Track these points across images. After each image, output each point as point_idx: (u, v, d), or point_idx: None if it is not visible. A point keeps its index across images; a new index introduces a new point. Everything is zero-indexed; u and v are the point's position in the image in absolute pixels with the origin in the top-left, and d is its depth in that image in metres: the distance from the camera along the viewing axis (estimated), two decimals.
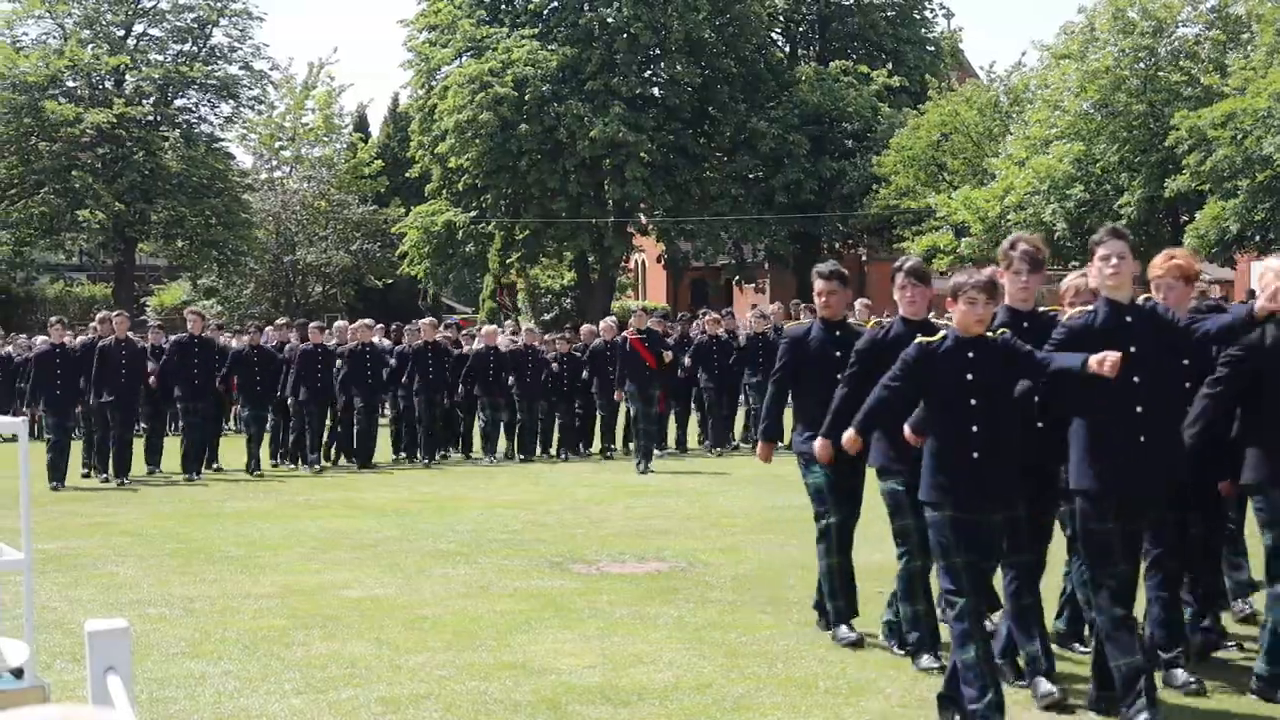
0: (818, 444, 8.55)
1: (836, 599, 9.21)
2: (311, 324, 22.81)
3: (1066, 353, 7.09)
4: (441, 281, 58.76)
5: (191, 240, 51.41)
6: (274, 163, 56.74)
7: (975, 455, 7.09)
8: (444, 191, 56.26)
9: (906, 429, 7.63)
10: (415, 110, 58.27)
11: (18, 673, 5.05)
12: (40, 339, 28.71)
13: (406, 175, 58.40)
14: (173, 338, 22.38)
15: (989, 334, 7.28)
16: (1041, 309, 8.19)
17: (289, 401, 21.89)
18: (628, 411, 22.10)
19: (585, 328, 25.35)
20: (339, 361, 21.90)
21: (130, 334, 21.28)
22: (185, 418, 21.23)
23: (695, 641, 9.08)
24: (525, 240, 55.62)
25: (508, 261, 57.50)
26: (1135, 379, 7.06)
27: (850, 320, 9.68)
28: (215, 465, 21.75)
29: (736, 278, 61.42)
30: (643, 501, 16.70)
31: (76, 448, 21.03)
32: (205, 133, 54.25)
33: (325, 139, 56.82)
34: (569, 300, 61.26)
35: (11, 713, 2.40)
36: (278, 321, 23.29)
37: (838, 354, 9.07)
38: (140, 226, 50.98)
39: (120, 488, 19.48)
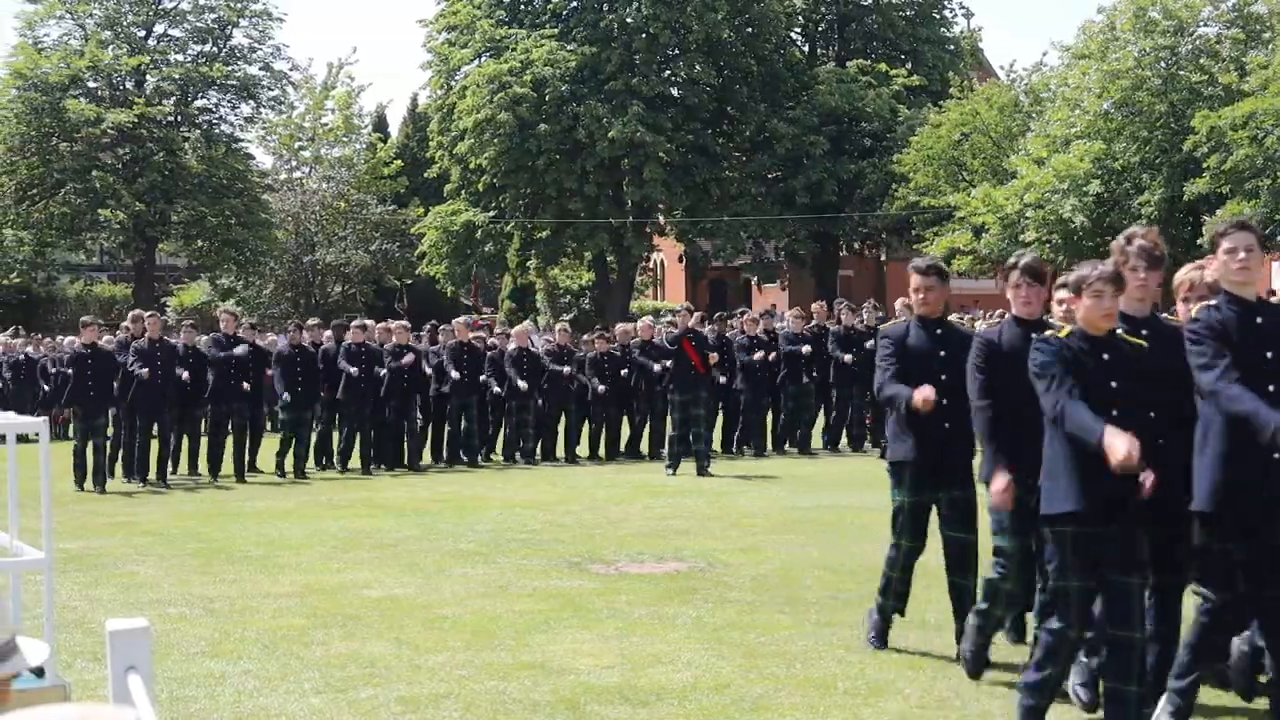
0: (999, 484, 7.54)
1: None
2: (354, 323, 22.21)
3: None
4: (460, 282, 58.84)
5: (211, 240, 51.53)
6: (293, 163, 56.86)
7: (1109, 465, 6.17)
8: (463, 191, 56.35)
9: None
10: (434, 110, 58.37)
11: (38, 671, 5.07)
12: (69, 340, 28.70)
13: (425, 175, 58.51)
14: (206, 337, 21.81)
15: (1119, 332, 6.62)
16: (1164, 315, 7.49)
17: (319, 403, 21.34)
18: (674, 415, 20.58)
19: (621, 327, 24.56)
20: (387, 361, 21.17)
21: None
22: (222, 422, 20.56)
23: (714, 642, 9.07)
24: (544, 240, 55.67)
25: (527, 262, 57.56)
26: (1272, 388, 6.48)
27: (951, 318, 8.90)
28: (254, 469, 20.95)
29: (756, 277, 61.38)
30: (661, 502, 16.69)
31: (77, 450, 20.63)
32: (225, 133, 54.41)
33: (344, 139, 56.92)
34: (588, 301, 61.30)
35: (31, 711, 2.41)
36: (309, 322, 22.57)
37: (941, 354, 8.54)
38: (160, 226, 51.13)
39: (149, 490, 19.14)
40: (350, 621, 9.91)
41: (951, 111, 50.32)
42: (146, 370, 19.22)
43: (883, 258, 63.38)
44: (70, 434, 27.44)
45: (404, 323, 22.98)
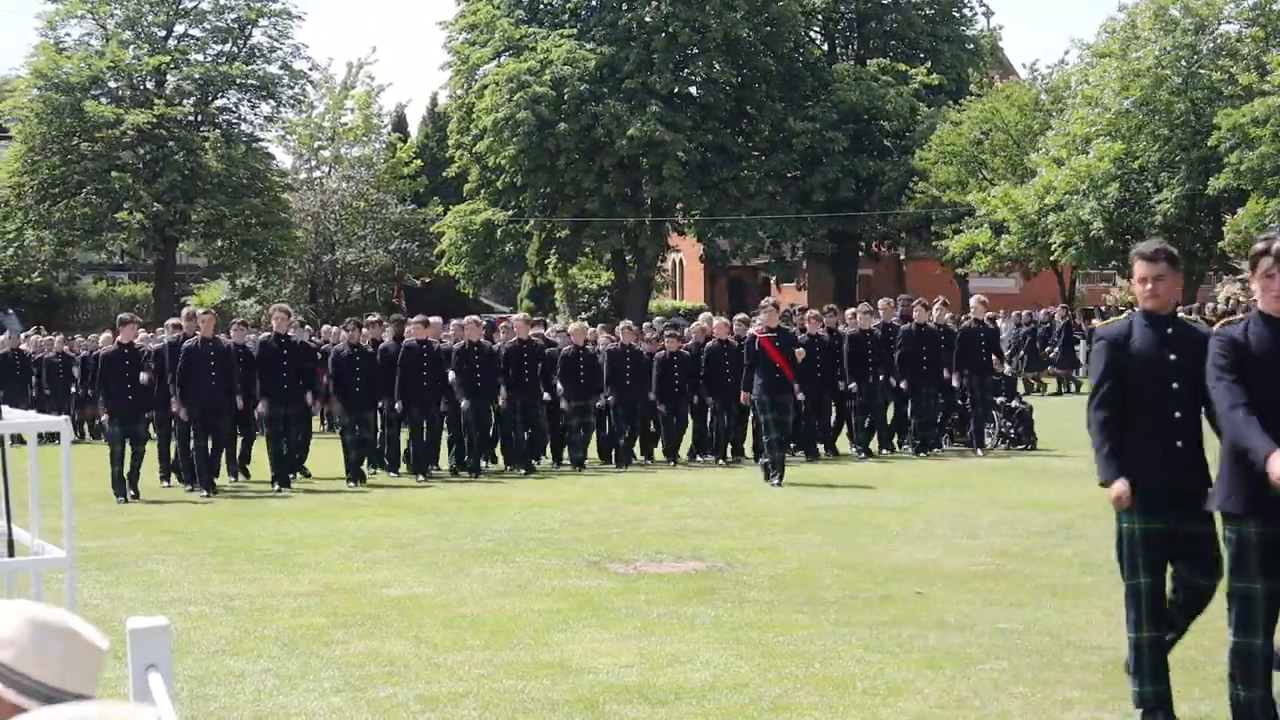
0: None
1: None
2: (414, 319, 20.94)
3: None
4: (479, 281, 58.89)
5: (231, 240, 51.64)
6: (313, 163, 56.98)
7: None
8: (482, 191, 56.43)
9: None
10: (454, 110, 58.44)
11: None
12: (104, 337, 28.39)
13: (444, 175, 58.59)
14: (259, 337, 20.65)
15: None
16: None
17: (391, 406, 20.00)
18: (755, 418, 19.23)
19: (695, 325, 23.29)
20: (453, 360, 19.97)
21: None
22: (272, 425, 19.02)
23: (732, 641, 9.07)
24: (563, 240, 55.70)
25: (546, 261, 57.61)
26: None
27: (1180, 314, 7.27)
28: (305, 474, 19.90)
29: (774, 276, 61.36)
30: (680, 501, 16.68)
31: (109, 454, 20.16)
32: (245, 133, 54.55)
33: (364, 139, 57.03)
34: (606, 300, 61.34)
35: (51, 710, 2.42)
36: (369, 319, 21.28)
37: (1172, 357, 6.99)
38: (180, 226, 51.27)
39: (206, 499, 17.86)
40: (369, 620, 9.92)
41: (971, 109, 50.26)
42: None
43: (902, 256, 63.28)
44: (89, 436, 27.35)
45: (475, 318, 21.71)
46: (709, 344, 21.42)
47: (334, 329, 25.94)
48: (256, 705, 7.81)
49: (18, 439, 7.57)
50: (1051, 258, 45.01)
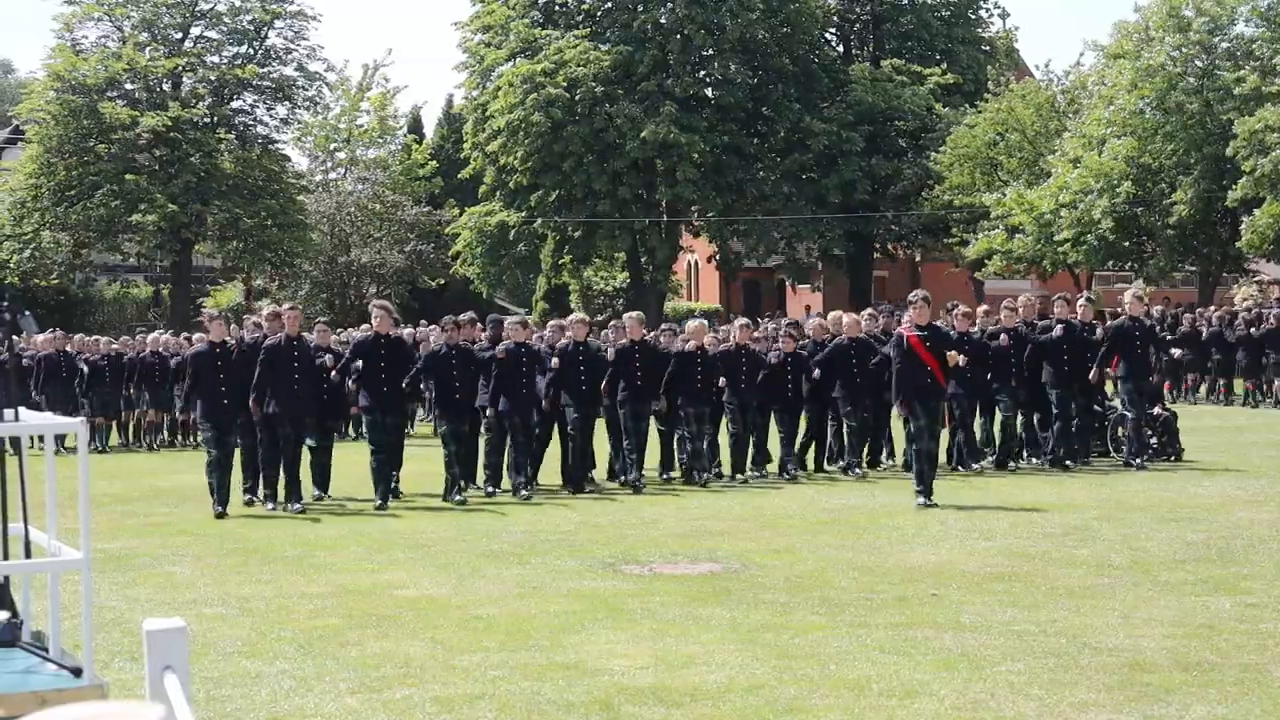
0: None
1: None
2: (510, 318, 19.32)
3: None
4: (494, 282, 58.95)
5: (246, 242, 51.72)
6: (329, 164, 57.06)
7: None
8: (497, 192, 56.46)
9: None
10: (469, 111, 58.50)
11: (76, 672, 5.11)
12: (150, 337, 27.56)
13: (460, 176, 58.64)
14: (356, 337, 18.94)
15: None
16: None
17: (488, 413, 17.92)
18: (912, 428, 16.99)
19: (814, 322, 21.51)
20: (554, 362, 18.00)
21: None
22: (371, 433, 17.36)
23: (748, 643, 9.06)
24: (577, 241, 55.72)
25: (560, 262, 57.64)
26: None
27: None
28: (397, 490, 17.69)
29: (789, 278, 61.33)
30: (695, 502, 16.68)
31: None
32: (260, 135, 54.63)
33: (380, 140, 57.09)
34: (621, 301, 61.38)
35: (46, 712, 2.43)
36: (462, 317, 18.59)
37: None
38: (196, 228, 51.37)
39: (295, 514, 16.27)
40: (385, 622, 9.93)
41: (987, 110, 50.23)
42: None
43: (917, 258, 63.19)
44: (115, 440, 27.03)
45: (582, 316, 19.74)
46: (838, 341, 19.41)
47: (429, 327, 24.63)
48: (273, 706, 7.82)
49: (28, 440, 7.59)
50: (1064, 258, 44.89)
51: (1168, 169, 41.75)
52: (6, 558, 5.64)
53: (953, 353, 16.30)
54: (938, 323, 17.77)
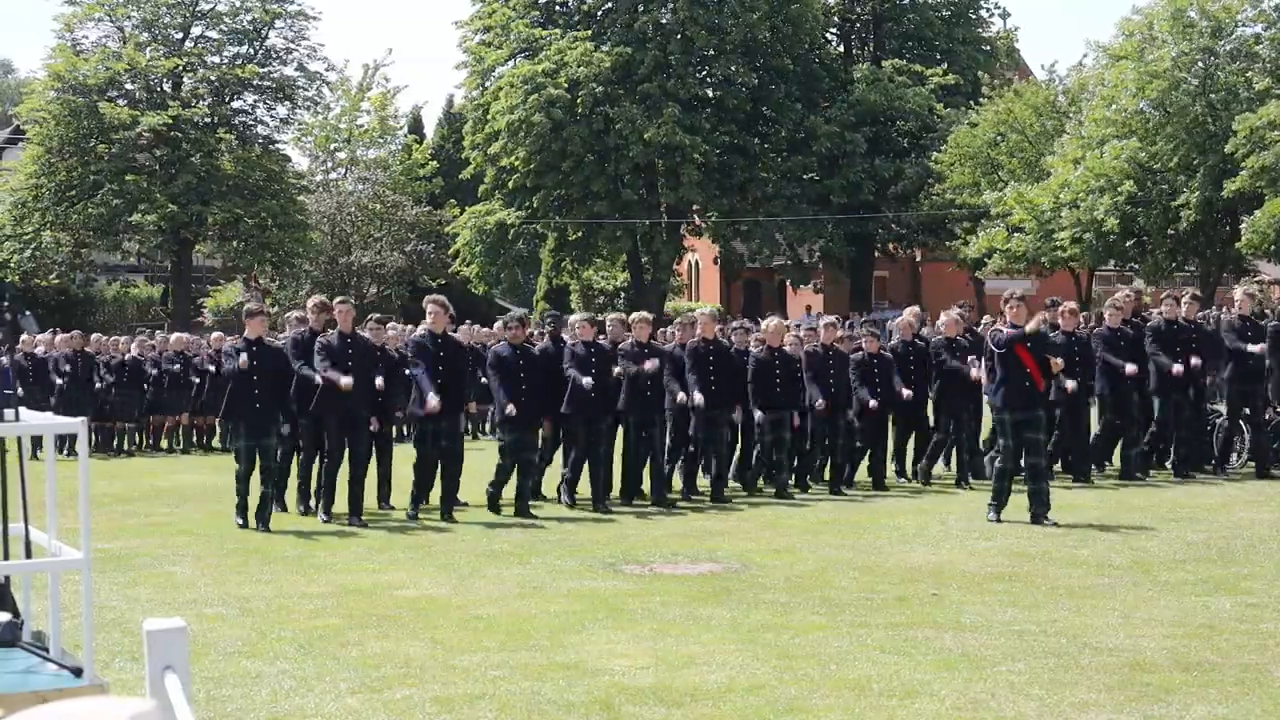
0: None
1: None
2: (577, 316, 18.32)
3: None
4: (493, 282, 58.92)
5: (247, 242, 51.68)
6: (329, 164, 57.02)
7: None
8: (496, 192, 56.44)
9: None
10: (470, 111, 58.47)
11: (76, 671, 5.11)
12: (174, 337, 26.92)
13: (460, 177, 58.63)
14: (412, 336, 17.50)
15: None
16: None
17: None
18: (1003, 441, 15.00)
19: (903, 320, 19.84)
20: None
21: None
22: (420, 444, 16.09)
23: (748, 643, 9.06)
24: (576, 241, 55.70)
25: (561, 262, 57.62)
26: None
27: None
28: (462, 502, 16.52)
29: (791, 279, 61.34)
30: (695, 503, 16.68)
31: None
32: (261, 135, 54.56)
33: (380, 140, 57.05)
34: (622, 301, 61.39)
35: (40, 708, 2.42)
36: (532, 318, 17.75)
37: None
38: (196, 228, 51.34)
39: (354, 526, 15.15)
40: (385, 622, 9.94)
41: (987, 110, 50.20)
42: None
43: (918, 258, 63.17)
44: (164, 443, 26.58)
45: (645, 314, 17.98)
46: (936, 340, 18.29)
47: (488, 328, 23.59)
48: (273, 706, 7.82)
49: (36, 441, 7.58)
50: (1061, 254, 44.80)
51: (1169, 170, 41.71)
52: (7, 558, 5.63)
53: (1055, 360, 14.87)
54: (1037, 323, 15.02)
